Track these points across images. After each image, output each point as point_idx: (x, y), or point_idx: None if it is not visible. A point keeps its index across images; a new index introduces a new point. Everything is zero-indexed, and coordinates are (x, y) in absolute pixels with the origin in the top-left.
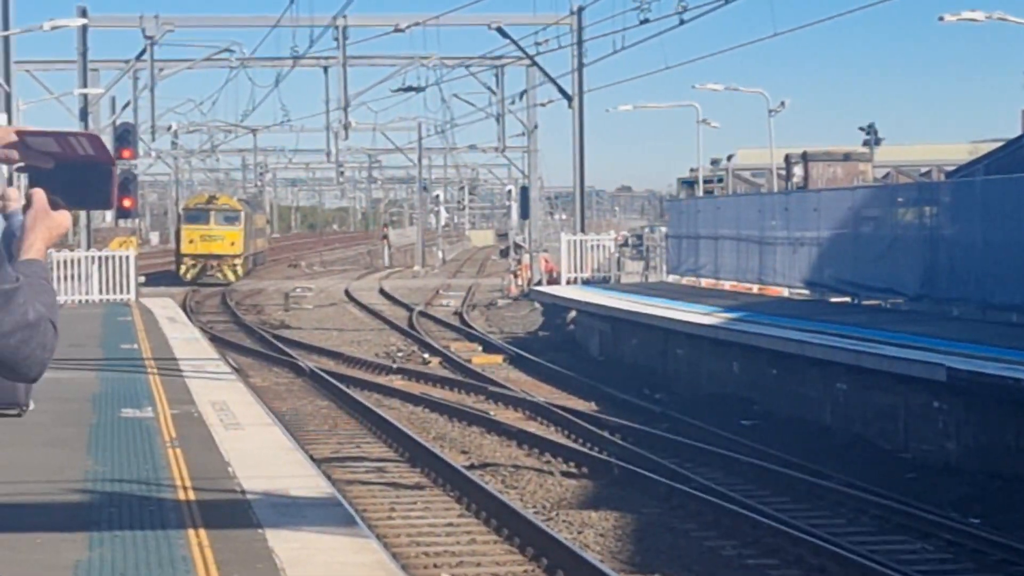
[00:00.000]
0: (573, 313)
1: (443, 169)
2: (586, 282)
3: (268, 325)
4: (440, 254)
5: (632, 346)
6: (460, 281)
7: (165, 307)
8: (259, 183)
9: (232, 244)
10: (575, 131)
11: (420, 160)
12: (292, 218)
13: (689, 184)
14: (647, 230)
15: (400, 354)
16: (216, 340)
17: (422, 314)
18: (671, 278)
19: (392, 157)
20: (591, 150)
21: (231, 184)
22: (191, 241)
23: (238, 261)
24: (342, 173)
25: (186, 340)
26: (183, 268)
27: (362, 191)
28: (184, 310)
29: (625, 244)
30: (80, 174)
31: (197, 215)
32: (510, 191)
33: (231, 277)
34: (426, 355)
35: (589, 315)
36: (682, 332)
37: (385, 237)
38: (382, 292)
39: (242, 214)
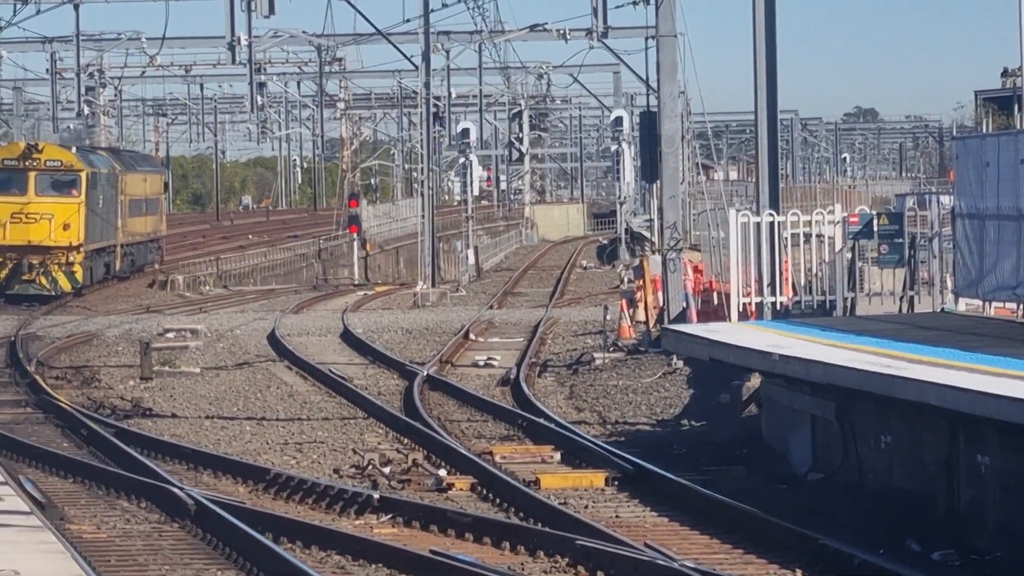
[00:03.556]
0: (756, 380)
1: (476, 75)
2: (783, 314)
3: (108, 408)
4: (471, 256)
5: (882, 450)
6: (513, 314)
7: None
8: (87, 108)
9: (65, 228)
10: None
11: (427, 56)
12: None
13: (1000, 103)
14: (911, 203)
15: (388, 469)
16: None
17: (434, 383)
18: (963, 304)
19: (368, 51)
20: (789, 32)
21: (28, 112)
22: None
23: (75, 257)
24: (262, 87)
25: None
26: None
27: (305, 125)
28: None
29: (864, 232)
30: None
31: (6, 179)
32: (618, 121)
33: (64, 285)
34: (442, 471)
35: (790, 384)
36: (991, 419)
37: (354, 222)
38: (347, 337)
39: (83, 176)
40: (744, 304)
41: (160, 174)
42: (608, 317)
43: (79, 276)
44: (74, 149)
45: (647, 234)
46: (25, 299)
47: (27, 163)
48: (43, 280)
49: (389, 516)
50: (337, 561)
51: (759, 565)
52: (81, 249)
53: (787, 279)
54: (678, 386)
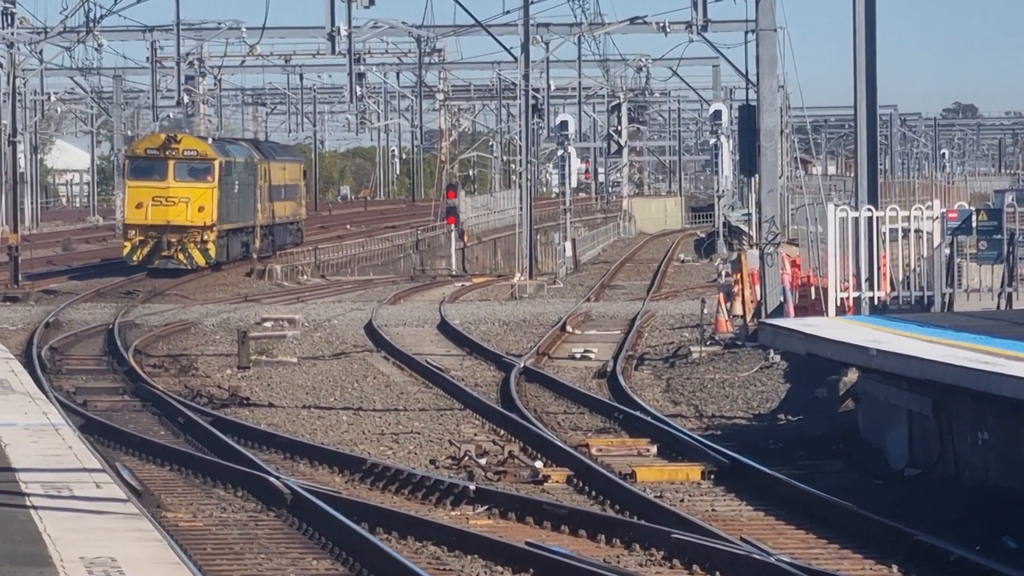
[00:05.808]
0: (853, 375)
1: (575, 68)
2: (880, 309)
3: (205, 397)
4: (568, 249)
5: (979, 446)
6: (610, 307)
7: None
8: (186, 97)
9: (200, 210)
10: None
11: (527, 48)
12: None
13: None
14: (1010, 199)
15: (484, 461)
16: (95, 430)
17: (531, 375)
18: None
19: (468, 42)
20: (889, 28)
21: (128, 100)
22: (138, 205)
23: (209, 236)
24: (361, 77)
25: (32, 431)
26: (127, 247)
27: (403, 116)
28: (31, 363)
29: (963, 229)
30: None
31: (148, 166)
32: (717, 115)
33: (199, 260)
34: (538, 463)
35: (887, 380)
36: None
37: (452, 213)
38: (444, 328)
39: (216, 163)
40: (842, 299)
41: (300, 163)
42: (705, 311)
43: (213, 253)
44: (210, 140)
45: (745, 228)
46: (165, 272)
47: (167, 152)
48: (180, 256)
49: (485, 507)
50: (433, 552)
51: (855, 560)
52: (214, 228)
53: (885, 274)
54: (775, 380)
